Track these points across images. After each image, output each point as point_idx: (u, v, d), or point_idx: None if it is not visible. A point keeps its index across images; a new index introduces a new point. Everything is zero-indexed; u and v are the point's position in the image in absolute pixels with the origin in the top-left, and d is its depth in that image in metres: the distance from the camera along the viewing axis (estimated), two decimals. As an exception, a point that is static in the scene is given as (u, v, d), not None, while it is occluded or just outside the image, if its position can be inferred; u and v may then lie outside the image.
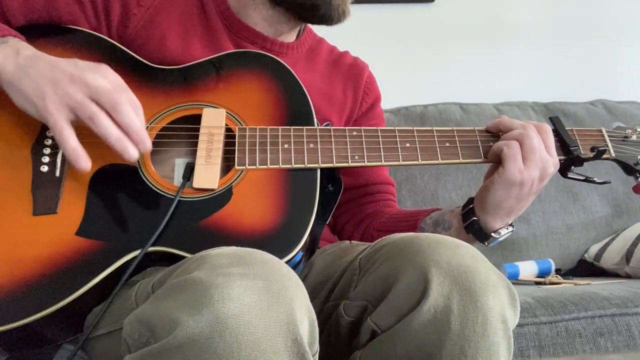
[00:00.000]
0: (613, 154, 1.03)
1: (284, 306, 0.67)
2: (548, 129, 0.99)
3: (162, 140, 0.96)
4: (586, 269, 1.74)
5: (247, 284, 0.67)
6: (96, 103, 0.85)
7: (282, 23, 1.12)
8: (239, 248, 0.75)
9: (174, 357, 0.64)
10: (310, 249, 0.97)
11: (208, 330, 0.64)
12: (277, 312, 0.66)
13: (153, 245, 0.85)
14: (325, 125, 1.01)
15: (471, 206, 1.02)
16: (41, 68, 0.86)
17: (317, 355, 0.72)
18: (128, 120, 0.85)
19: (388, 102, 1.44)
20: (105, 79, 0.86)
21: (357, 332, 0.85)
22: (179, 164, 0.98)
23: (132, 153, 0.86)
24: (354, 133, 0.98)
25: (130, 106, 0.86)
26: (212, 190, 0.90)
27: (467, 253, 0.80)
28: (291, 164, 0.93)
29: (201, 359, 0.63)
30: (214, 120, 0.95)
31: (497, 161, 0.99)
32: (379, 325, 0.81)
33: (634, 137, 1.05)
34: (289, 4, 1.08)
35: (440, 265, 0.77)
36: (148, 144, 0.88)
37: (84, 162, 0.86)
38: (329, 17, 1.08)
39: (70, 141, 0.85)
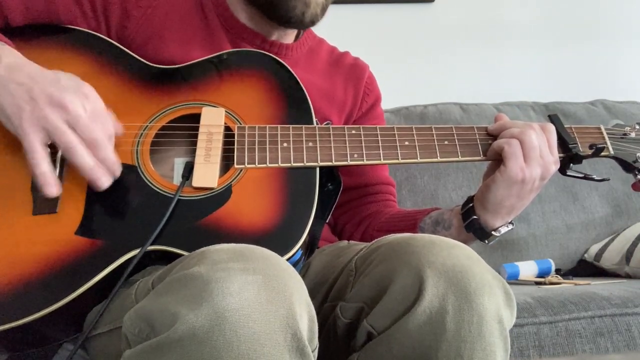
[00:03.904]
0: (612, 152, 1.03)
1: (284, 301, 0.67)
2: (552, 128, 0.99)
3: (162, 139, 0.96)
4: (586, 269, 1.74)
5: (246, 278, 0.67)
6: (73, 130, 0.84)
7: (264, 23, 1.10)
8: (239, 244, 0.75)
9: (174, 350, 0.64)
10: (310, 247, 0.97)
11: (208, 324, 0.64)
12: (276, 306, 0.66)
13: (153, 244, 0.85)
14: (325, 125, 1.01)
15: (471, 205, 1.02)
16: (22, 82, 0.85)
17: (316, 351, 0.72)
18: (103, 155, 0.86)
19: (388, 102, 1.44)
20: (86, 101, 0.86)
21: (354, 334, 0.85)
22: (178, 162, 0.98)
23: (104, 182, 0.87)
24: (353, 132, 0.98)
25: (107, 137, 0.86)
26: (212, 189, 0.90)
27: (462, 253, 0.79)
28: (290, 162, 0.93)
29: (201, 353, 0.63)
30: (213, 119, 0.95)
31: (496, 159, 0.99)
32: (374, 327, 0.81)
33: (632, 135, 1.05)
34: (258, 4, 1.07)
35: (435, 266, 0.77)
36: (118, 174, 0.89)
37: (52, 188, 0.85)
38: (290, 19, 1.05)
39: (42, 165, 0.84)
